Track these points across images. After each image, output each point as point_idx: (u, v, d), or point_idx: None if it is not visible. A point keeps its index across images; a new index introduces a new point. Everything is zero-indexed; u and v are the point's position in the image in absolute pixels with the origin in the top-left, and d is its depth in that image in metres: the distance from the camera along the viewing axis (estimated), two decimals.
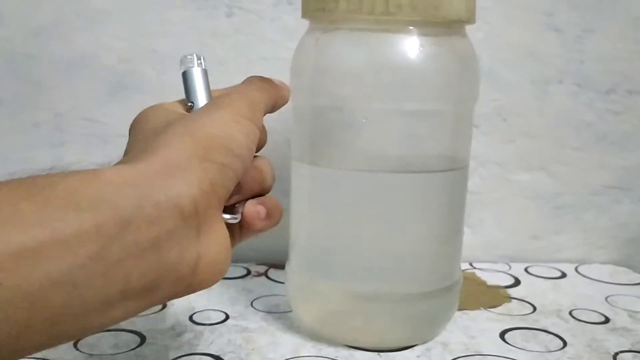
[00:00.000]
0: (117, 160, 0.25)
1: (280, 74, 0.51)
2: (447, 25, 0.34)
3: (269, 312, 0.42)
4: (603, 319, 0.43)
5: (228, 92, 0.30)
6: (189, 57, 0.31)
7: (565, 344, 0.38)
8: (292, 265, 0.40)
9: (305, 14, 0.36)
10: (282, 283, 0.47)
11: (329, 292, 0.37)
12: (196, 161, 0.24)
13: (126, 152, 0.27)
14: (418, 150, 0.35)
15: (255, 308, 0.43)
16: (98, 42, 0.49)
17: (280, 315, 0.41)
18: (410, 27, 0.33)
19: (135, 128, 0.28)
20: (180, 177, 0.23)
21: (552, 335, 0.39)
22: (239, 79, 0.52)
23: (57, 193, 0.20)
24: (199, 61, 0.31)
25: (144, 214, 0.22)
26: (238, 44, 0.50)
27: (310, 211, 0.37)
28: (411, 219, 0.36)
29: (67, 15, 0.49)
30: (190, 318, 0.40)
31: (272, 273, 0.50)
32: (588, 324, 0.41)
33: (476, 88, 0.37)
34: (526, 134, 0.54)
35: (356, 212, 0.36)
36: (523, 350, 0.37)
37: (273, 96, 0.32)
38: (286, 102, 0.34)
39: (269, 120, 0.53)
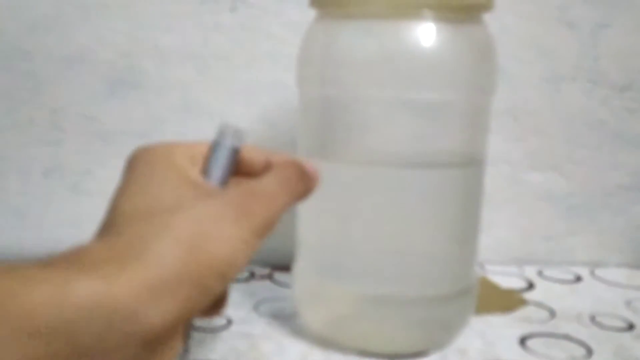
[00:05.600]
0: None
1: (286, 71, 0.50)
2: (463, 11, 0.32)
3: (274, 317, 0.40)
4: (627, 325, 0.40)
5: (251, 190, 0.25)
6: (224, 128, 0.27)
7: (590, 352, 0.36)
8: (299, 267, 0.38)
9: (314, 1, 0.35)
10: (288, 286, 0.45)
11: (339, 295, 0.35)
12: (185, 287, 0.21)
13: (111, 220, 0.23)
14: (433, 143, 0.33)
15: (259, 312, 0.40)
16: (97, 36, 0.48)
17: (287, 320, 0.39)
18: (425, 13, 0.31)
19: (133, 175, 0.25)
20: (159, 303, 0.21)
21: (575, 342, 0.37)
22: (243, 75, 0.52)
23: (11, 311, 0.18)
24: (233, 137, 0.27)
25: (104, 346, 0.20)
26: (242, 39, 0.49)
27: (319, 210, 0.35)
28: (425, 217, 0.34)
29: (64, 8, 0.47)
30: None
31: (278, 276, 0.48)
32: (612, 331, 0.39)
33: (493, 79, 0.35)
34: (538, 132, 0.52)
35: (368, 209, 0.34)
36: (546, 359, 0.35)
37: (295, 197, 0.27)
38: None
39: (272, 116, 0.52)
